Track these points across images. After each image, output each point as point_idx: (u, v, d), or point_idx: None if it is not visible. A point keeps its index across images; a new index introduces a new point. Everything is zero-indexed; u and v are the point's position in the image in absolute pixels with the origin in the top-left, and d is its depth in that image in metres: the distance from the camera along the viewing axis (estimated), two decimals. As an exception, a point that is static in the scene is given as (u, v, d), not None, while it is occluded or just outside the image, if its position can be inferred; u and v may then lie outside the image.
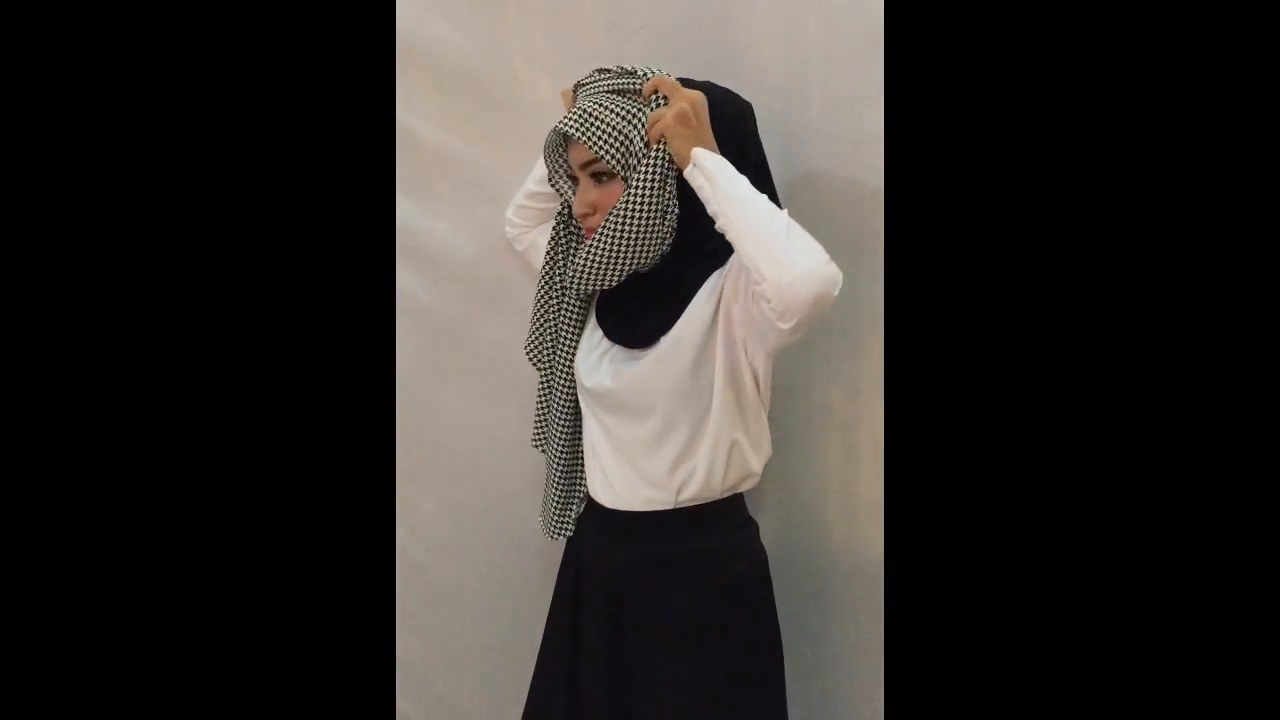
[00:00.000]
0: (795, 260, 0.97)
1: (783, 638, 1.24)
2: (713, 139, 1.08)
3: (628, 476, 1.17)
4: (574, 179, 1.18)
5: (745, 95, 1.29)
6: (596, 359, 1.20)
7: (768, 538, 1.32)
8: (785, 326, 0.99)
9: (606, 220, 1.10)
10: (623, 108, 1.11)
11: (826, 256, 0.99)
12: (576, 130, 1.10)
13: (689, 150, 1.05)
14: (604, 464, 1.20)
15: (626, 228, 1.09)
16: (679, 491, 1.14)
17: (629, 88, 1.12)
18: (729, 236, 1.03)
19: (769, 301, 0.98)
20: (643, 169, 1.09)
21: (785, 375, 1.32)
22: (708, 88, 1.13)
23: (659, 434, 1.14)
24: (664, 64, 1.19)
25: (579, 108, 1.12)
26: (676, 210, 1.11)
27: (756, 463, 1.18)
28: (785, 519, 1.38)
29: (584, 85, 1.16)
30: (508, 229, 1.38)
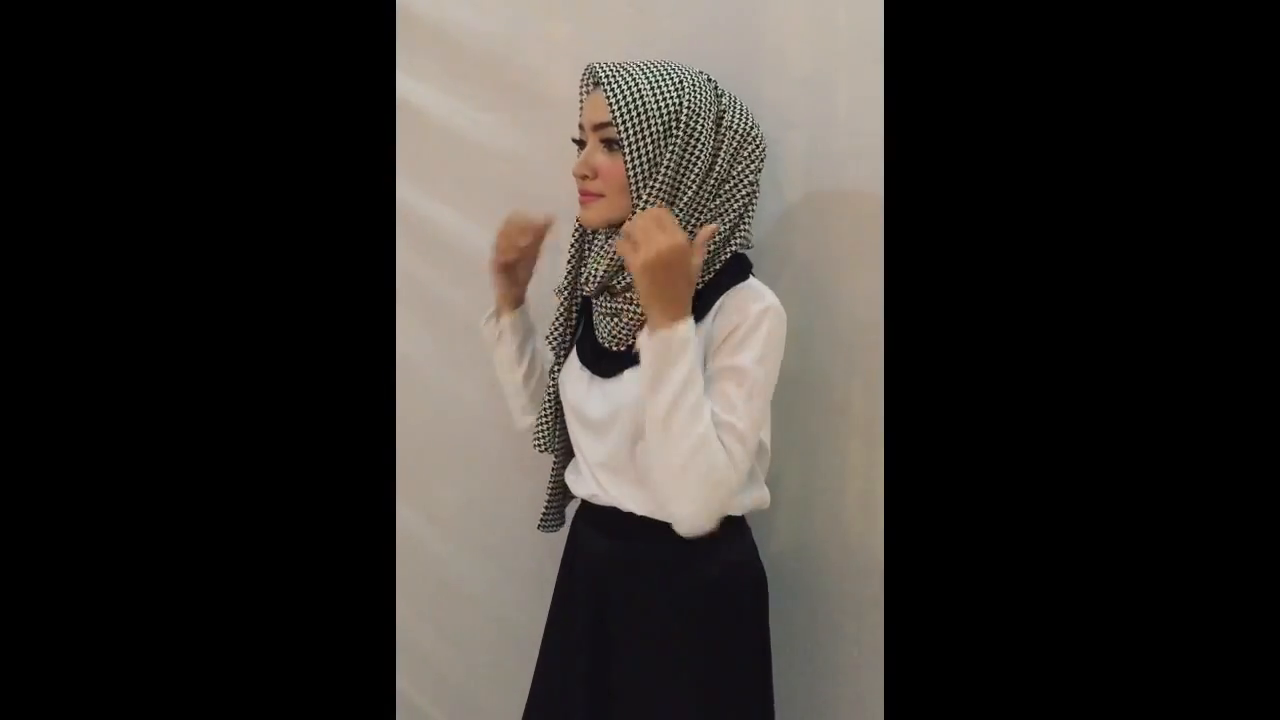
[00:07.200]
0: (678, 503, 1.04)
1: (798, 636, 1.23)
2: (687, 292, 1.02)
3: (601, 478, 1.17)
4: (580, 143, 1.15)
5: (770, 87, 1.27)
6: (576, 371, 1.20)
7: (786, 535, 1.32)
8: None
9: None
10: (666, 91, 1.07)
11: (710, 493, 1.02)
12: (608, 80, 1.08)
13: (653, 312, 1.01)
14: (580, 465, 1.21)
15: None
16: (649, 503, 1.14)
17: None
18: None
19: None
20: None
21: (805, 374, 1.32)
22: (672, 72, 1.09)
23: (626, 455, 1.13)
24: (690, 55, 1.18)
25: (624, 66, 1.10)
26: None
27: (736, 502, 1.16)
28: (804, 517, 1.37)
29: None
30: (520, 427, 1.35)
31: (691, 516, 1.04)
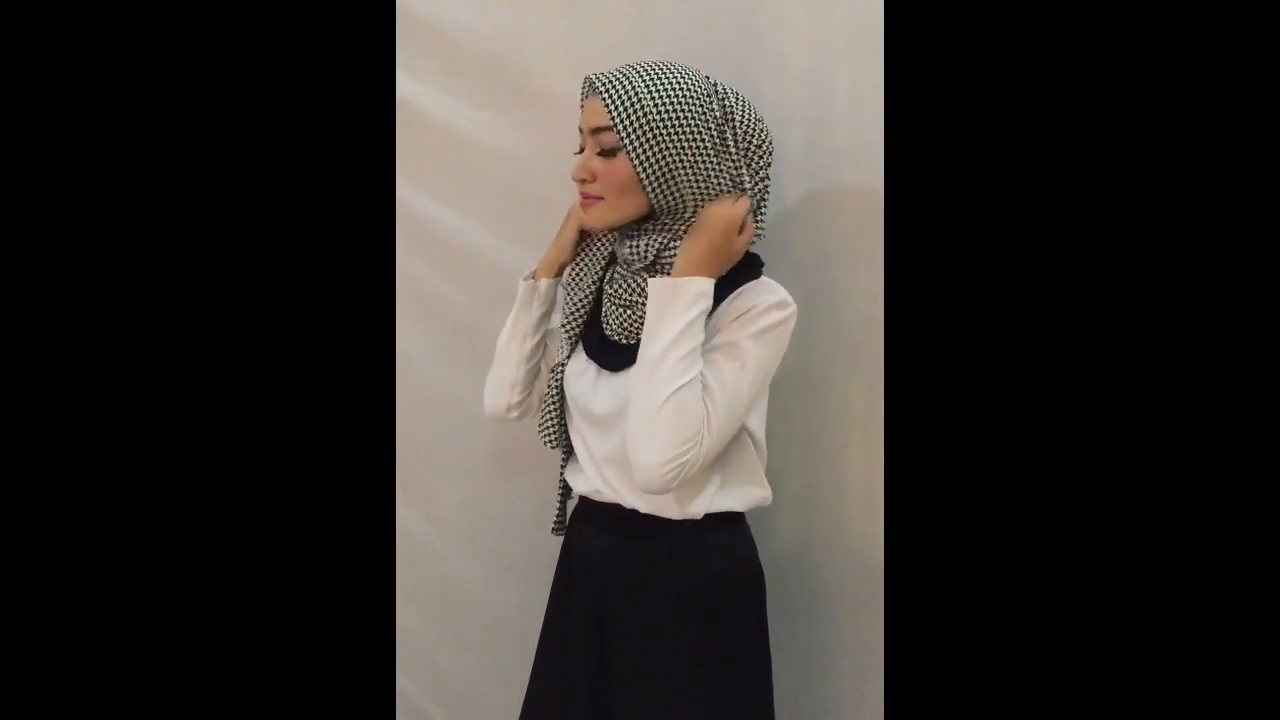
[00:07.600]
0: (644, 449, 1.04)
1: (796, 633, 1.23)
2: (722, 260, 1.09)
3: (606, 473, 1.17)
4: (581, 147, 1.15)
5: (770, 85, 1.27)
6: (583, 365, 1.20)
7: (786, 534, 1.31)
8: None
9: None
10: (664, 94, 1.07)
11: (678, 450, 1.03)
12: (604, 86, 1.08)
13: (688, 265, 1.07)
14: (583, 461, 1.21)
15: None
16: (649, 501, 1.14)
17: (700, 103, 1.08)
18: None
19: None
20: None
21: (805, 371, 1.32)
22: (670, 73, 1.09)
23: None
24: (689, 53, 1.18)
25: (621, 72, 1.10)
26: None
27: (738, 500, 1.16)
28: (805, 515, 1.37)
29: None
30: (493, 407, 1.31)
31: (653, 466, 1.04)
